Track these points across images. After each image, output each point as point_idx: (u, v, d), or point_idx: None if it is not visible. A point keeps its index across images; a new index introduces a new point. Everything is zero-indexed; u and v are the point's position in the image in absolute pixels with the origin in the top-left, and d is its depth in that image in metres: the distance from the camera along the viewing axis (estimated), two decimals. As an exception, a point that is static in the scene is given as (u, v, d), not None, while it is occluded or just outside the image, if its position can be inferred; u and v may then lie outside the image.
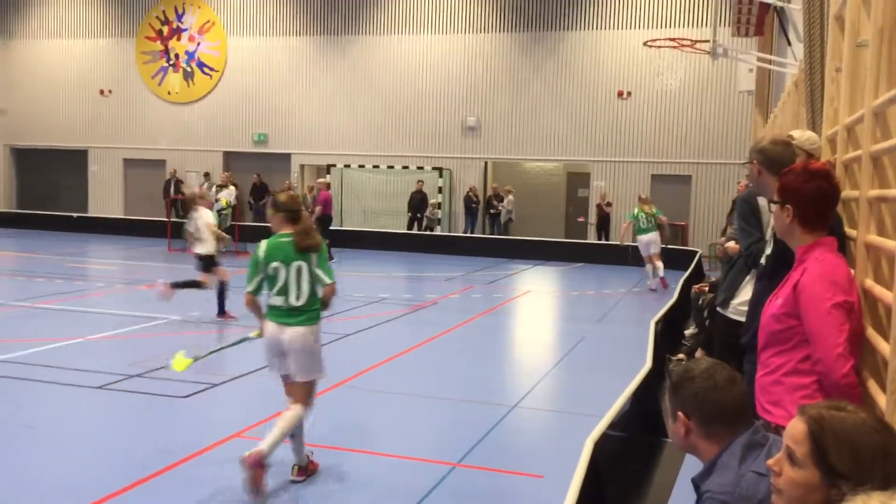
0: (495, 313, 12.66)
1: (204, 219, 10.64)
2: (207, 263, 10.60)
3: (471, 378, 8.43)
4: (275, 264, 5.17)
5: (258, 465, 4.75)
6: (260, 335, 5.36)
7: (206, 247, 10.58)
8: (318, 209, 18.88)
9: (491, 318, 12.12)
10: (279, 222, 5.31)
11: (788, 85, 9.62)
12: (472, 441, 6.18)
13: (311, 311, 5.22)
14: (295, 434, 5.18)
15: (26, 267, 16.93)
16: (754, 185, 3.84)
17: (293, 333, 5.14)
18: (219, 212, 18.78)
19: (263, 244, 5.27)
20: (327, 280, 5.21)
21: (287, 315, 5.16)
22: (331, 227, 18.72)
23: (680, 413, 2.24)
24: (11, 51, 27.46)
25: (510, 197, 23.21)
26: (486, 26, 23.15)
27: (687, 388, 2.24)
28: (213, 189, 19.37)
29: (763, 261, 3.85)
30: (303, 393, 5.25)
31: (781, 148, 3.61)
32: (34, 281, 14.51)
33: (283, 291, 5.17)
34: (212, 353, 6.24)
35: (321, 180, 19.84)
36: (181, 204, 23.64)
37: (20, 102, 27.42)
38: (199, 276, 10.67)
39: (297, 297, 5.16)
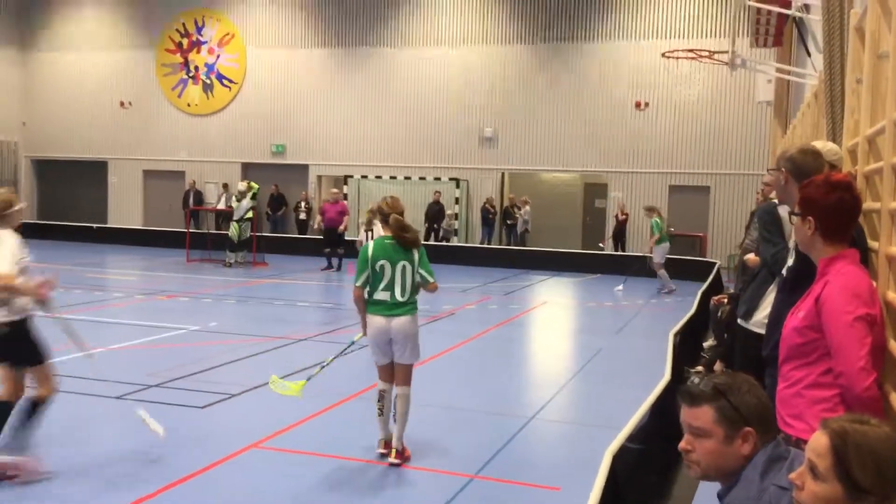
0: (512, 324, 12.63)
1: None
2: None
3: (488, 389, 8.41)
4: (381, 262, 5.81)
5: (405, 457, 5.80)
6: (364, 335, 6.02)
7: None
8: (318, 219, 18.95)
9: (508, 330, 12.09)
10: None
11: (808, 96, 9.57)
12: (489, 453, 6.16)
13: (413, 303, 5.89)
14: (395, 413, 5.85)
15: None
16: (779, 193, 3.81)
17: (401, 322, 5.79)
18: (239, 221, 18.90)
19: (371, 244, 5.94)
20: (430, 279, 5.94)
21: (393, 307, 5.79)
22: (340, 239, 18.70)
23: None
24: (33, 64, 27.81)
25: (527, 208, 23.20)
26: (504, 38, 23.20)
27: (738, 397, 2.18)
28: (234, 199, 19.46)
29: (784, 272, 3.82)
30: (408, 374, 5.95)
31: (811, 158, 3.58)
32: (54, 291, 14.62)
33: (390, 287, 5.79)
34: (324, 366, 6.54)
35: (334, 191, 19.88)
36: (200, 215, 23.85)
37: (41, 115, 27.75)
38: None
39: (402, 293, 5.80)
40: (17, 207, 5.46)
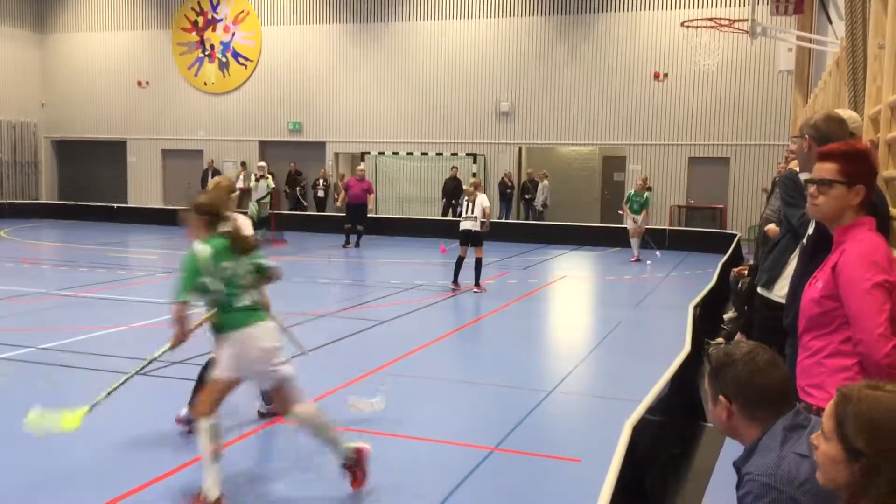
0: (531, 299, 12.64)
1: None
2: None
3: (507, 363, 8.44)
4: (226, 264, 4.74)
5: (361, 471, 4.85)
6: (172, 348, 4.99)
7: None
8: (342, 195, 19.02)
9: (527, 304, 12.11)
10: (202, 225, 4.88)
11: (829, 64, 9.43)
12: (509, 425, 6.20)
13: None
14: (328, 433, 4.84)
15: (68, 257, 17.28)
16: (802, 160, 3.78)
17: (271, 328, 4.81)
18: (258, 201, 18.98)
19: (207, 246, 4.74)
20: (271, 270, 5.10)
21: (256, 311, 4.80)
22: (363, 215, 18.76)
23: (721, 397, 2.23)
24: (50, 44, 27.93)
25: (545, 182, 23.10)
26: (521, 9, 22.99)
27: (728, 371, 2.23)
28: (252, 180, 19.53)
29: (804, 241, 3.80)
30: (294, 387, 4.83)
31: (836, 125, 3.54)
32: (77, 270, 14.81)
33: (245, 290, 4.80)
34: (111, 392, 5.16)
35: (361, 168, 19.89)
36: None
37: (60, 96, 27.90)
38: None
39: (254, 295, 4.87)
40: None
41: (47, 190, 28.46)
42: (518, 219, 23.05)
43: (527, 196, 23.10)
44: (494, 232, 21.11)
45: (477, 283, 12.56)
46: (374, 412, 5.96)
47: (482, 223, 12.52)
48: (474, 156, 23.34)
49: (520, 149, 23.76)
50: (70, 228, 23.05)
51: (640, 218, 16.98)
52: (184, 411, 5.80)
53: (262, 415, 6.14)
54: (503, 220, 22.39)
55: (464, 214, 12.66)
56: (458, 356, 8.87)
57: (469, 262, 12.76)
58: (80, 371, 7.59)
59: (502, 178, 23.05)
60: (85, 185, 27.88)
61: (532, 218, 22.89)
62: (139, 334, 9.42)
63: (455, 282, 12.71)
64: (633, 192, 17.40)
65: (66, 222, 24.62)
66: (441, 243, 16.30)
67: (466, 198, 12.80)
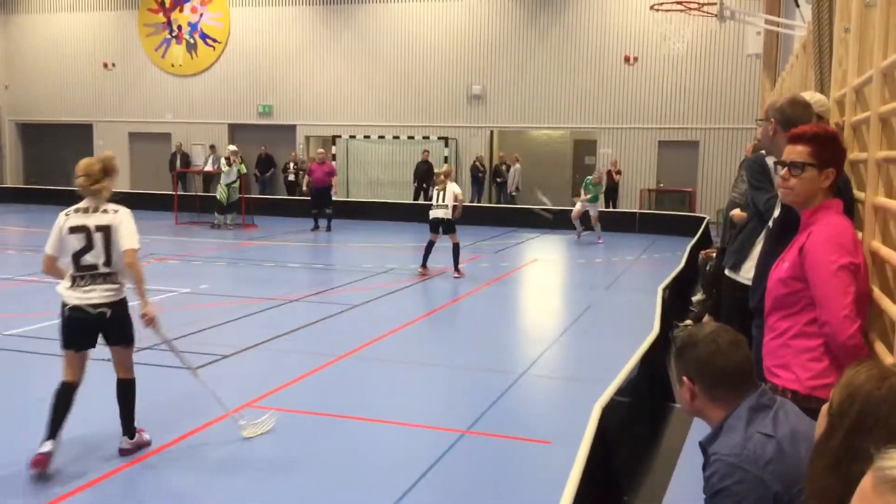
0: (503, 282, 12.67)
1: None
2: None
3: (479, 346, 8.47)
4: None
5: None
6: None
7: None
8: (306, 180, 18.90)
9: (498, 287, 12.14)
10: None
11: (797, 47, 9.52)
12: (481, 408, 6.23)
13: None
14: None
15: (33, 242, 17.00)
16: (767, 144, 3.80)
17: None
18: (228, 185, 18.80)
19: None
20: None
21: None
22: (328, 199, 18.65)
23: (685, 378, 2.25)
24: (13, 25, 27.33)
25: (517, 165, 23.12)
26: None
27: (691, 353, 2.25)
28: (222, 161, 19.31)
29: (770, 224, 3.83)
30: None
31: (800, 109, 3.57)
32: (42, 255, 14.57)
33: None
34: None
35: (320, 151, 19.75)
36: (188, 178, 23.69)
37: (24, 78, 27.34)
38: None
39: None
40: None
41: (11, 173, 27.94)
42: (490, 202, 23.07)
43: (498, 179, 23.11)
44: (466, 216, 21.03)
45: (456, 269, 12.52)
46: (265, 433, 5.55)
47: (454, 208, 12.54)
48: (446, 139, 23.29)
49: (491, 132, 23.75)
50: (34, 213, 22.67)
51: (591, 206, 17.67)
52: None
53: (124, 451, 5.16)
54: (475, 204, 22.37)
55: (435, 203, 12.67)
56: (429, 340, 8.88)
57: (441, 247, 12.75)
58: (48, 357, 7.47)
59: (474, 161, 23.03)
60: (51, 169, 27.40)
61: (504, 202, 22.91)
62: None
63: (424, 266, 12.70)
64: (590, 178, 18.05)
65: (31, 206, 24.20)
66: None
67: (437, 186, 12.82)
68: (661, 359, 5.09)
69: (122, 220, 4.99)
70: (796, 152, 2.98)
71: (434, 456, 5.24)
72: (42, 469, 4.70)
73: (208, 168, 23.01)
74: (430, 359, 7.94)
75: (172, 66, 25.80)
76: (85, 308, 4.89)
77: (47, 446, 4.78)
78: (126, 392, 5.15)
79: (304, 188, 19.73)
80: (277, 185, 24.65)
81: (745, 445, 2.11)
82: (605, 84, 22.21)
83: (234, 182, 18.84)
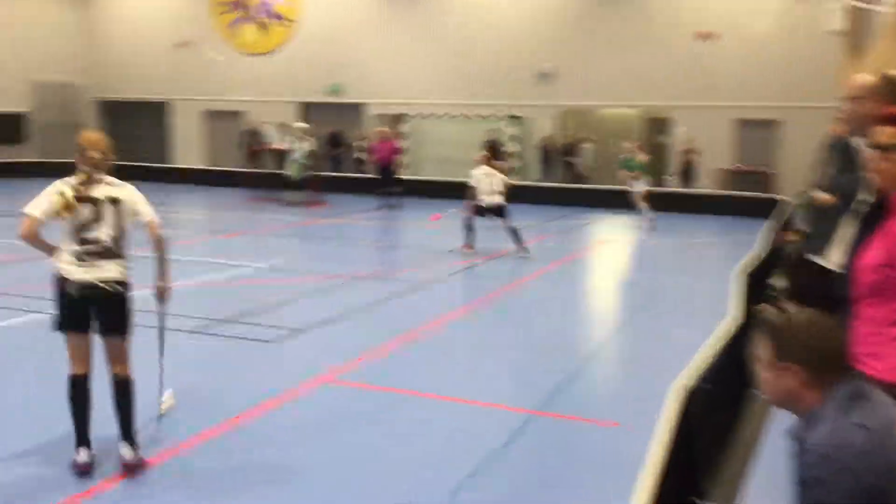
0: (571, 263, 12.56)
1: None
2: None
3: (546, 327, 8.41)
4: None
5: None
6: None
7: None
8: (371, 157, 18.96)
9: (566, 268, 12.03)
10: None
11: (881, 24, 9.10)
12: (548, 389, 6.19)
13: None
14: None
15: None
16: (855, 124, 3.65)
17: None
18: (298, 162, 19.04)
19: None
20: None
21: None
22: (389, 176, 18.72)
23: (783, 362, 2.16)
24: (92, 6, 28.11)
25: (588, 145, 22.80)
26: (563, -32, 22.51)
27: (791, 336, 2.16)
28: (294, 139, 19.58)
29: (859, 208, 3.69)
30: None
31: (891, 87, 3.41)
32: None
33: None
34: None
35: (383, 129, 19.78)
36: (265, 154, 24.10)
37: (102, 57, 28.12)
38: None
39: None
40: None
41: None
42: (559, 182, 22.82)
43: (568, 159, 22.83)
44: (535, 195, 21.01)
45: (521, 247, 12.28)
46: (170, 407, 5.38)
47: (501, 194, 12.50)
48: (514, 117, 23.10)
49: (561, 111, 23.43)
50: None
51: (639, 184, 16.64)
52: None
53: (131, 465, 4.55)
54: (544, 184, 22.18)
55: (489, 190, 12.50)
56: (497, 320, 8.85)
57: (492, 226, 12.60)
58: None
59: (543, 140, 22.80)
60: (128, 145, 28.15)
61: (573, 181, 22.63)
62: (185, 293, 9.53)
63: (469, 244, 12.48)
64: (628, 156, 17.12)
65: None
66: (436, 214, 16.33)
67: (482, 170, 12.72)
68: (739, 344, 4.96)
69: (134, 193, 4.65)
70: (888, 134, 2.85)
71: (503, 435, 5.23)
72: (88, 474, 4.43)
73: (279, 146, 23.35)
74: (497, 339, 7.92)
75: (244, 45, 26.19)
76: (94, 284, 4.40)
77: (83, 455, 4.43)
78: (126, 392, 4.57)
79: (368, 165, 19.83)
80: (347, 163, 24.86)
81: (840, 435, 2.03)
82: (681, 61, 21.63)
83: (304, 159, 19.09)
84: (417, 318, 8.35)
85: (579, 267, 12.51)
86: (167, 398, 5.38)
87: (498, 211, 12.49)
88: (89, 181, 4.48)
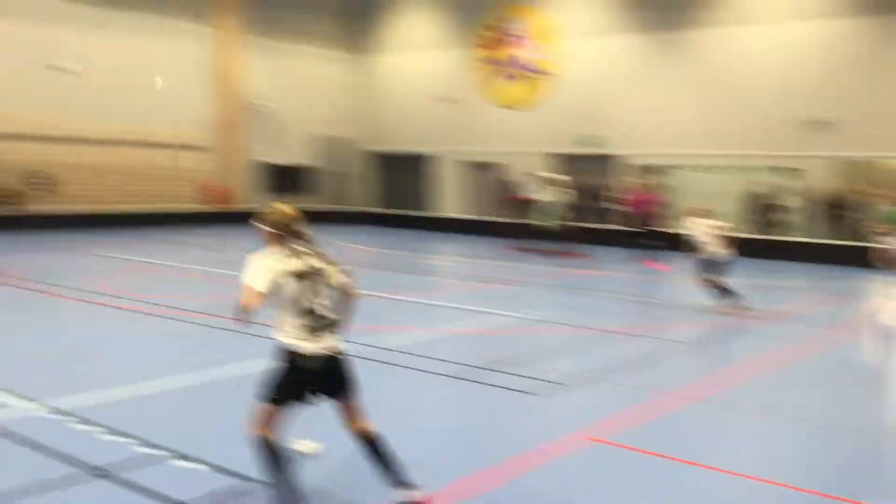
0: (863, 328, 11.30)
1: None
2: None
3: (839, 399, 7.56)
4: None
5: None
6: None
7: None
8: (631, 210, 18.52)
9: (854, 336, 10.84)
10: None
11: None
12: (841, 469, 5.52)
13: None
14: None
15: (385, 261, 18.64)
16: None
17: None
18: (551, 213, 19.12)
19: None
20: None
21: None
22: (645, 230, 18.18)
23: None
24: (370, 65, 30.66)
25: (880, 199, 20.61)
26: (838, 11, 20.86)
27: None
28: (544, 191, 19.78)
29: None
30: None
31: None
32: (395, 274, 15.87)
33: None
34: None
35: (638, 180, 19.33)
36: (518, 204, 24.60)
37: (373, 111, 30.49)
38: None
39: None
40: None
41: (370, 199, 31.00)
42: (840, 239, 20.81)
43: (850, 214, 20.79)
44: (813, 253, 19.33)
45: (741, 305, 11.53)
46: (315, 454, 5.17)
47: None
48: (786, 169, 21.53)
49: (841, 162, 21.49)
50: (390, 235, 24.94)
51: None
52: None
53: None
54: (825, 242, 20.35)
55: (713, 244, 11.87)
56: (784, 387, 8.06)
57: (773, 286, 11.68)
58: (394, 368, 8.01)
59: (824, 194, 21.00)
60: (393, 195, 30.09)
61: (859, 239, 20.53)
62: (449, 339, 9.79)
63: (736, 303, 11.66)
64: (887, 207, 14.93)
65: (386, 229, 26.76)
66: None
67: (706, 225, 12.01)
68: None
69: (325, 257, 4.59)
70: None
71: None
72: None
73: (535, 196, 23.64)
74: (783, 409, 7.22)
75: (504, 99, 27.05)
76: (321, 357, 4.45)
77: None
78: (382, 442, 4.63)
79: (622, 217, 19.52)
80: (605, 215, 24.58)
81: None
82: None
83: (559, 209, 19.13)
84: (684, 380, 7.88)
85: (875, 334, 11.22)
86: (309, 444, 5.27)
87: (723, 266, 11.79)
88: (293, 253, 4.48)
